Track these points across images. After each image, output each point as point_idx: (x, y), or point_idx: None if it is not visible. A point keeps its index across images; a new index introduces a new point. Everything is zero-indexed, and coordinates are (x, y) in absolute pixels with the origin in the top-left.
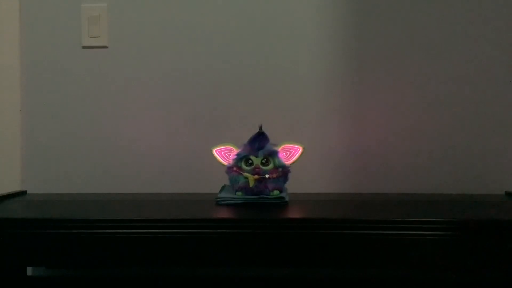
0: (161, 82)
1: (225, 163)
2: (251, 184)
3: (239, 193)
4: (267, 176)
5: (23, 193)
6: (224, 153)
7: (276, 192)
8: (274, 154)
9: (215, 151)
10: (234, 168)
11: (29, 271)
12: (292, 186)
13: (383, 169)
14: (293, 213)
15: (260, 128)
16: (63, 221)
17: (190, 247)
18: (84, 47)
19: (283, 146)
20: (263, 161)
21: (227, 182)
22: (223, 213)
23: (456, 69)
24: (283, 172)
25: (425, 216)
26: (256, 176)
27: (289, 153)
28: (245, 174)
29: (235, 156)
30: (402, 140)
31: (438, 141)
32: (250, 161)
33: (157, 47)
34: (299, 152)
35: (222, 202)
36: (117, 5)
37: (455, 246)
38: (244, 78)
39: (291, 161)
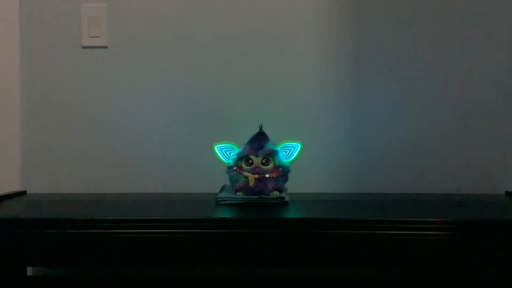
0: (161, 82)
1: (226, 161)
2: (251, 183)
3: (239, 193)
4: (267, 175)
5: (23, 193)
6: (225, 151)
7: (276, 192)
8: (274, 153)
9: (217, 148)
10: (235, 168)
11: (29, 271)
12: (292, 186)
13: (383, 169)
14: (293, 213)
15: (260, 128)
16: (63, 221)
17: (190, 247)
18: (84, 47)
19: (282, 145)
20: (263, 161)
21: (227, 182)
22: (223, 213)
23: (457, 69)
24: (283, 171)
25: (425, 216)
26: (256, 176)
27: (289, 151)
28: (245, 173)
29: (235, 156)
30: (402, 140)
31: (438, 141)
32: (250, 161)
33: (157, 47)
34: (298, 149)
35: (222, 202)
36: (117, 5)
37: (455, 246)
38: (244, 78)
39: (291, 159)
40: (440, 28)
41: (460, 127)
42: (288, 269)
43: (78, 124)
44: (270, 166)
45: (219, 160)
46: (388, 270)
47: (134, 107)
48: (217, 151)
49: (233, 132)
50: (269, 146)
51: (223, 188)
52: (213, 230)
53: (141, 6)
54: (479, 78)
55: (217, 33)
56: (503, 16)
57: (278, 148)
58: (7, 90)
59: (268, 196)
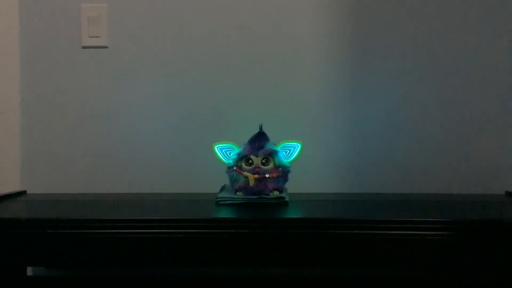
0: (161, 82)
1: (226, 161)
2: (251, 183)
3: (239, 193)
4: (267, 175)
5: (23, 193)
6: (225, 151)
7: (276, 192)
8: (274, 153)
9: (217, 148)
10: (234, 168)
11: (29, 271)
12: (292, 186)
13: (383, 169)
14: (293, 213)
15: (260, 128)
16: (63, 221)
17: (190, 247)
18: (84, 47)
19: (282, 145)
20: (263, 161)
21: (227, 182)
22: (223, 213)
23: (456, 69)
24: (283, 171)
25: (425, 216)
26: (256, 176)
27: (289, 151)
28: (245, 173)
29: (235, 156)
30: (402, 140)
31: (438, 141)
32: (250, 161)
33: (157, 47)
34: (298, 149)
35: (222, 202)
36: (117, 5)
37: (455, 246)
38: (244, 78)
39: (291, 159)
40: (440, 28)
41: (460, 127)
42: (288, 269)
43: (78, 124)
44: (270, 166)
45: (219, 160)
46: (388, 270)
47: (134, 107)
48: (217, 151)
49: (233, 132)
50: (269, 146)
51: (223, 188)
52: (213, 230)
53: (141, 6)
54: (479, 78)
55: (217, 33)
56: (504, 16)
57: (278, 148)
58: (7, 91)
59: (268, 196)
